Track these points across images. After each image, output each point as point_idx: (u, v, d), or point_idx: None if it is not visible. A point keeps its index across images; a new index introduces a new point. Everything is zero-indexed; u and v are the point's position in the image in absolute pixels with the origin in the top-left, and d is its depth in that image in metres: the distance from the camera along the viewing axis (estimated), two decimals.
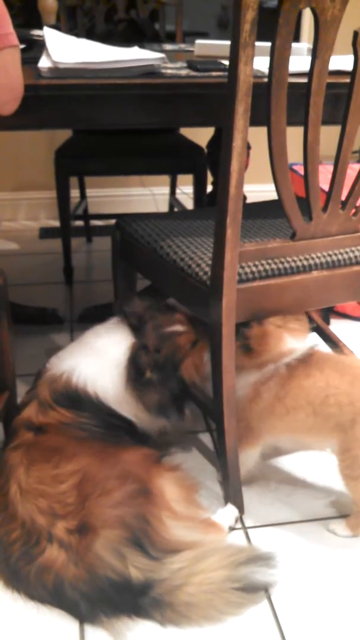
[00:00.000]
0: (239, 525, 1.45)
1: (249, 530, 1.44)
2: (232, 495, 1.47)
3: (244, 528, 1.45)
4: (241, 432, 1.46)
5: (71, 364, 1.47)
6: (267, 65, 1.15)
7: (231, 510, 1.45)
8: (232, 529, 1.43)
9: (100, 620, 1.19)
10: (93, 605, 1.19)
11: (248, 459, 1.50)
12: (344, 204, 1.40)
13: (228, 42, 1.13)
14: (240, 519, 1.47)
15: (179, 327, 1.49)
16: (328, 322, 2.33)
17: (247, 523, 1.46)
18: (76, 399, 1.43)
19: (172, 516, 1.28)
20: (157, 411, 1.49)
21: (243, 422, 1.45)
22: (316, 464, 1.62)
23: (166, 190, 3.24)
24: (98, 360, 1.47)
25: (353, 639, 1.20)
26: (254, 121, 1.18)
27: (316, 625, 1.23)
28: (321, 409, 1.33)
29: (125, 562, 1.18)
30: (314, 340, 1.56)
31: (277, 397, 1.38)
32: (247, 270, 1.38)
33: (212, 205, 2.31)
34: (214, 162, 2.37)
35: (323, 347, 1.51)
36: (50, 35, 1.61)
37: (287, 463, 1.64)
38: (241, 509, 1.47)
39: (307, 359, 1.39)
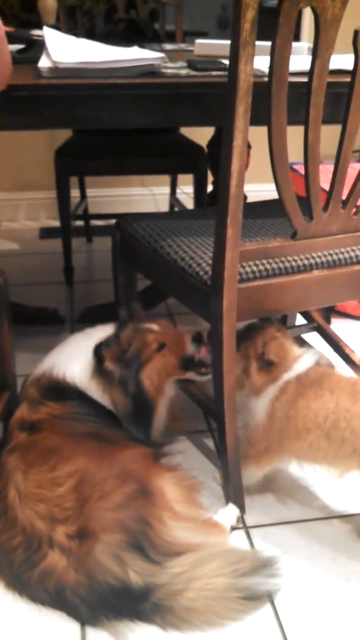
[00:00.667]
0: (240, 524, 1.45)
1: (250, 530, 1.44)
2: (233, 494, 1.46)
3: (245, 527, 1.45)
4: (255, 452, 1.44)
5: (51, 361, 1.53)
6: (268, 64, 1.15)
7: (232, 510, 1.45)
8: (233, 528, 1.43)
9: (102, 623, 1.19)
10: (93, 609, 1.19)
11: (252, 477, 1.49)
12: (344, 203, 1.40)
13: (228, 42, 1.12)
14: (241, 518, 1.46)
15: (154, 326, 1.53)
16: (329, 322, 2.33)
17: (249, 522, 1.46)
18: (60, 390, 1.46)
19: (173, 517, 1.28)
20: (124, 416, 1.50)
21: (262, 445, 1.41)
22: None
23: (166, 190, 3.24)
24: (72, 351, 1.53)
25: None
26: (255, 120, 1.18)
27: (319, 626, 1.23)
28: (333, 433, 1.28)
29: (125, 567, 1.18)
30: (333, 361, 1.55)
31: (288, 417, 1.34)
32: (248, 269, 1.38)
33: (212, 204, 2.31)
34: (215, 161, 2.37)
35: (340, 367, 1.49)
36: (50, 35, 1.61)
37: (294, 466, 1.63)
38: (242, 509, 1.47)
39: (320, 378, 1.35)
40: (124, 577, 1.17)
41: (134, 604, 1.17)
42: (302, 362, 1.39)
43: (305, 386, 1.35)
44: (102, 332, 1.54)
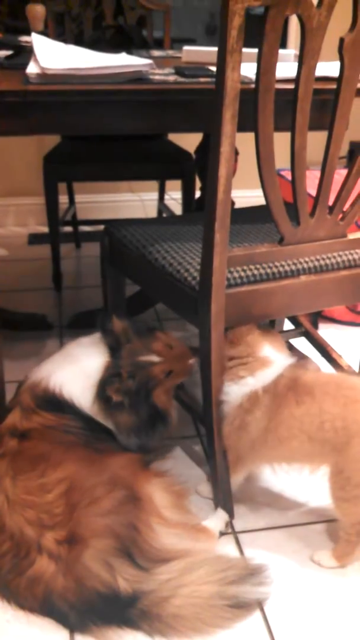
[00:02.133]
0: (229, 529, 1.45)
1: (239, 535, 1.44)
2: (222, 500, 1.47)
3: (234, 533, 1.45)
4: (229, 464, 1.44)
5: (49, 370, 1.50)
6: (255, 71, 1.16)
7: (221, 515, 1.45)
8: (222, 533, 1.43)
9: (90, 629, 1.19)
10: (82, 616, 1.18)
11: (232, 483, 1.48)
12: (331, 209, 1.41)
13: (215, 49, 1.13)
14: (230, 523, 1.47)
15: (154, 358, 1.49)
16: (316, 327, 2.33)
17: (237, 527, 1.46)
18: (56, 403, 1.44)
19: (161, 523, 1.28)
20: (128, 433, 1.49)
21: (230, 452, 1.42)
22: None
23: (155, 196, 3.24)
24: (72, 368, 1.50)
25: None
26: (242, 127, 1.19)
27: (309, 631, 1.23)
28: (317, 435, 1.28)
29: (114, 573, 1.18)
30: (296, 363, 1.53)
31: (267, 429, 1.33)
32: (236, 275, 1.38)
33: (200, 210, 2.32)
34: (202, 167, 2.38)
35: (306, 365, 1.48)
36: (38, 42, 1.61)
37: (277, 468, 1.63)
38: (231, 514, 1.47)
39: (296, 383, 1.34)
40: (112, 583, 1.17)
41: (121, 610, 1.17)
42: (269, 371, 1.36)
43: (281, 395, 1.33)
44: (95, 341, 1.52)
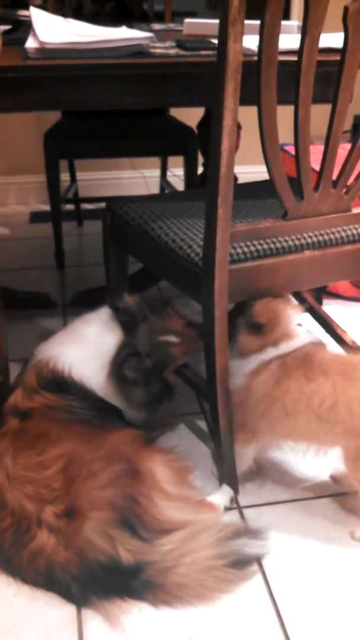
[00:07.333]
0: (233, 505, 1.46)
1: (244, 510, 1.45)
2: (227, 475, 1.47)
3: (239, 507, 1.46)
4: (236, 427, 1.43)
5: (58, 350, 1.49)
6: (257, 43, 1.14)
7: (226, 491, 1.45)
8: (227, 508, 1.44)
9: (93, 602, 1.20)
10: (84, 587, 1.19)
11: (242, 457, 1.46)
12: (335, 183, 1.39)
13: (217, 21, 1.11)
14: (235, 498, 1.47)
15: (173, 338, 1.52)
16: (320, 303, 2.33)
17: (242, 503, 1.47)
18: (62, 384, 1.45)
19: (163, 497, 1.29)
20: (138, 407, 1.52)
21: (238, 418, 1.42)
22: None
23: (157, 172, 3.22)
24: (83, 348, 1.50)
25: (347, 613, 1.22)
26: (245, 100, 1.17)
27: (312, 601, 1.24)
28: (329, 415, 1.27)
29: (115, 544, 1.19)
30: (318, 337, 1.55)
31: (272, 396, 1.33)
32: (239, 250, 1.37)
33: (203, 186, 2.30)
34: (205, 143, 2.36)
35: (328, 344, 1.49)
36: (37, 16, 1.59)
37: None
38: (236, 489, 1.48)
39: (310, 359, 1.33)
40: (113, 554, 1.18)
41: (124, 580, 1.18)
42: (292, 342, 1.38)
43: (292, 367, 1.33)
44: (104, 319, 1.53)
